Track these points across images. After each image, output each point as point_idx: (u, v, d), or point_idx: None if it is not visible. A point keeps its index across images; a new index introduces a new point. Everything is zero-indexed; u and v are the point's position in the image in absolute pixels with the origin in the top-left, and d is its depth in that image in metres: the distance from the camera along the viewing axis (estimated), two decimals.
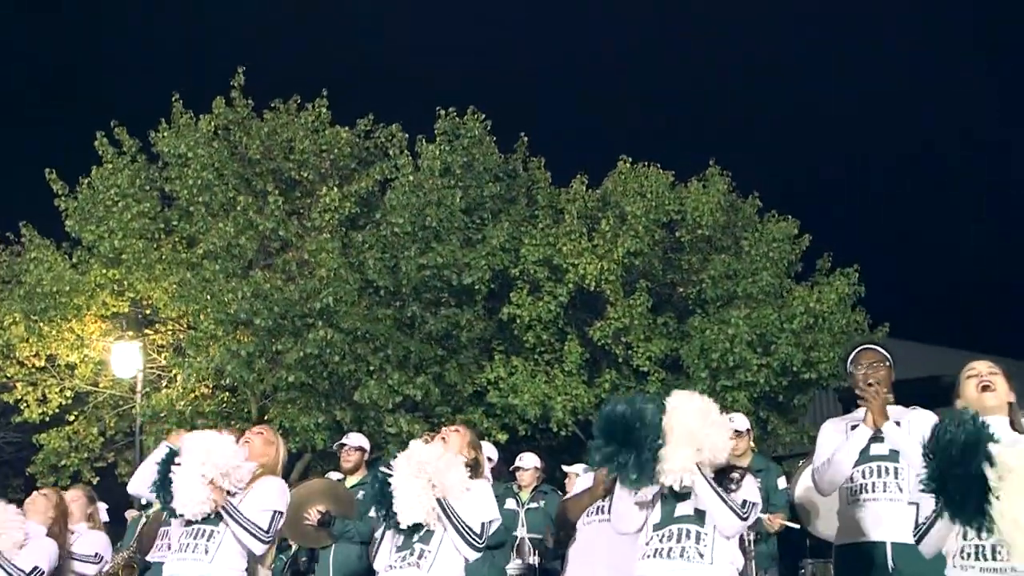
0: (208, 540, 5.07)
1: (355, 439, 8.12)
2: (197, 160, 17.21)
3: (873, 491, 4.89)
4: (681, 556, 4.31)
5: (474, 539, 4.83)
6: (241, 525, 5.05)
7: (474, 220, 18.33)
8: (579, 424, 17.68)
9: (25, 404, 18.53)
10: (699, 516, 4.37)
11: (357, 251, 17.01)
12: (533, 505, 8.95)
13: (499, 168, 19.40)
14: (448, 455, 4.96)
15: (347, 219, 17.42)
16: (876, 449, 4.94)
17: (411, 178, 17.13)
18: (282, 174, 17.96)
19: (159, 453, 5.73)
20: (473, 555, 4.89)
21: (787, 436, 18.67)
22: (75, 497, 6.87)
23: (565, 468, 8.76)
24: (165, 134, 18.04)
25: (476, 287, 17.28)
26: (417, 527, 4.89)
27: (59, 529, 6.08)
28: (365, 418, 16.32)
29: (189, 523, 5.12)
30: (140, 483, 5.99)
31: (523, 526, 8.85)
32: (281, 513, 5.21)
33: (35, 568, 5.55)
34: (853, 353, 5.30)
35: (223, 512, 5.05)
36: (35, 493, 6.52)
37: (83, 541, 6.71)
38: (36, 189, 18.42)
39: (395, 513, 4.85)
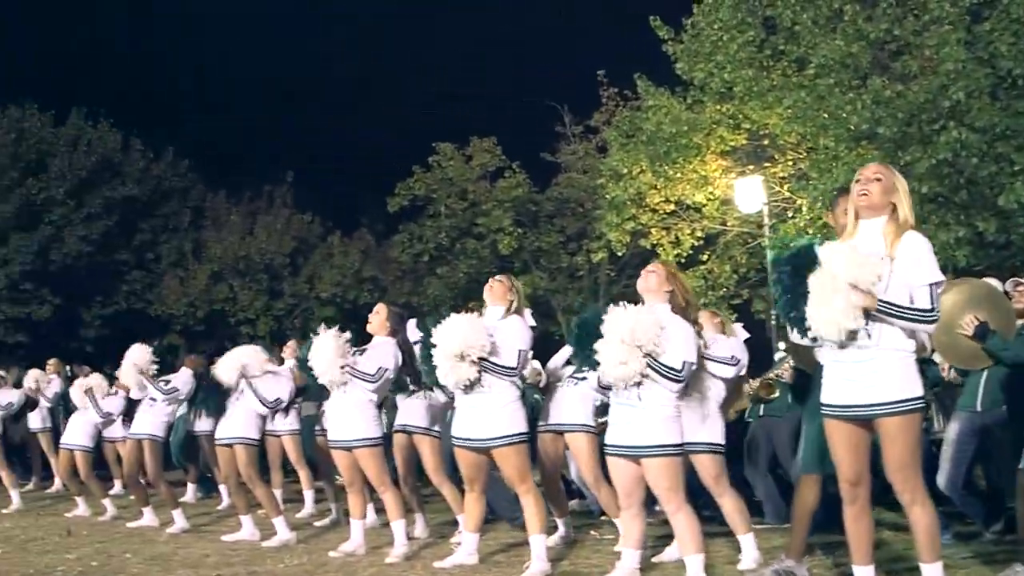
0: None
1: None
2: None
3: None
4: None
5: None
6: None
7: None
8: None
9: (661, 248, 19.39)
10: None
11: (985, 43, 15.13)
12: None
13: None
14: None
15: (968, 11, 15.55)
16: None
17: None
18: None
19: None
20: None
21: None
22: None
23: None
24: None
25: None
26: None
27: None
28: (1014, 226, 14.67)
29: None
30: None
31: None
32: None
33: None
34: None
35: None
36: None
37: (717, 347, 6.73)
38: (645, 40, 18.90)
39: None
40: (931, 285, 4.57)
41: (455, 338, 6.37)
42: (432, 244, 25.16)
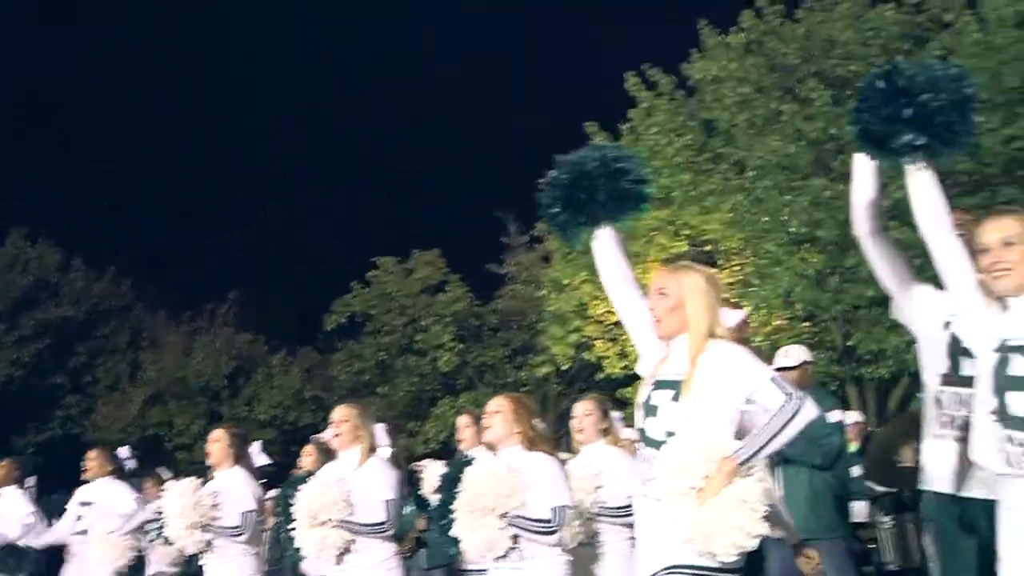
0: None
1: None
2: (732, 77, 15.95)
3: None
4: None
5: None
6: None
7: None
8: None
9: (607, 359, 18.53)
10: None
11: None
12: None
13: None
14: None
15: None
16: None
17: (976, 36, 14.28)
18: (826, 74, 16.04)
19: None
20: None
21: None
22: None
23: None
24: (697, 62, 17.06)
25: None
26: None
27: None
28: None
29: None
30: None
31: None
32: None
33: None
34: None
35: None
36: None
37: None
38: (582, 145, 18.29)
39: None
40: None
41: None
42: (372, 362, 24.18)
